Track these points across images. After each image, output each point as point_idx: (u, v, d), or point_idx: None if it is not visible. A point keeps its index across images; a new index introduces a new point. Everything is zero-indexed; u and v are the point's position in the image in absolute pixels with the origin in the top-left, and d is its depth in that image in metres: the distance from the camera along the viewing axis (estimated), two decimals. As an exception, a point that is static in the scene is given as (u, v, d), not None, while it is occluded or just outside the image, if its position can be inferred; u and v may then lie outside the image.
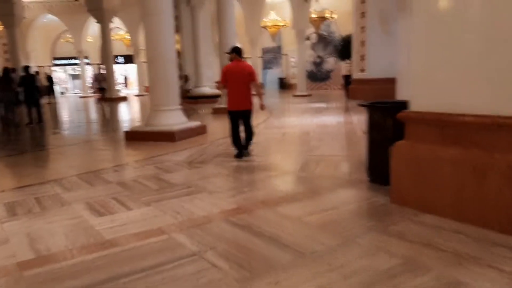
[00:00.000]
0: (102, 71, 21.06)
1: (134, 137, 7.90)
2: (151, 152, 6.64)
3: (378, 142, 4.23)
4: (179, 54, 17.14)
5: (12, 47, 21.71)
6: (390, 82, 13.89)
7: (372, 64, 15.60)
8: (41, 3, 26.70)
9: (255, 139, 6.61)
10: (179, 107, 8.29)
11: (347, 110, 12.57)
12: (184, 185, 4.52)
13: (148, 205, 3.85)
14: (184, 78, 17.61)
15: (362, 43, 16.15)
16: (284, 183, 4.58)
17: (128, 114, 15.56)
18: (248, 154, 5.98)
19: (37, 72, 20.51)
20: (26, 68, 11.57)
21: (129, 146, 7.55)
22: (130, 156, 6.90)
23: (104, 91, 20.86)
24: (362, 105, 4.38)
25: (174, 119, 7.97)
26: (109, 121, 13.29)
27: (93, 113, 16.76)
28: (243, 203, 3.81)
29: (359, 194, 4.02)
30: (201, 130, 8.40)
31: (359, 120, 9.71)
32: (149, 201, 3.97)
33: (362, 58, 16.29)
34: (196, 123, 8.58)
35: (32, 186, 4.71)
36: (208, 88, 17.57)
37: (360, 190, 4.12)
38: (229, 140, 6.98)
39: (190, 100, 16.82)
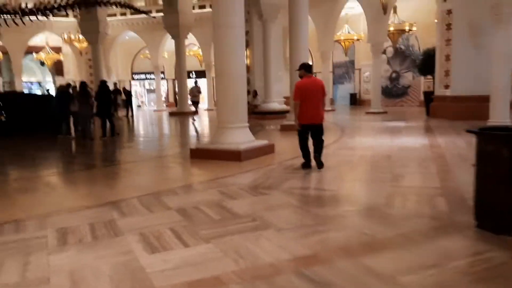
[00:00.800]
0: (197, 85, 20.65)
1: (200, 155, 7.56)
2: (215, 172, 6.21)
3: (491, 178, 3.35)
4: (248, 68, 16.95)
5: (95, 63, 23.11)
6: (479, 100, 12.43)
7: (457, 80, 14.14)
8: (124, 21, 28.30)
9: (326, 162, 6.25)
10: (247, 124, 7.84)
11: (429, 130, 11.35)
12: (249, 217, 3.96)
13: (208, 242, 3.32)
14: (253, 93, 17.34)
15: (447, 57, 14.75)
16: (367, 223, 3.82)
17: (198, 129, 15.57)
18: (322, 165, 6.08)
19: (115, 86, 21.61)
20: (103, 82, 11.94)
21: (195, 164, 7.22)
22: (194, 176, 6.53)
23: (197, 105, 20.59)
24: (470, 131, 3.53)
25: (241, 137, 7.52)
26: (181, 135, 13.33)
27: (166, 127, 17.05)
28: (318, 248, 3.14)
29: (467, 245, 3.16)
30: (268, 150, 7.87)
31: (447, 143, 8.58)
32: (209, 236, 3.45)
33: (447, 73, 14.87)
34: (264, 142, 8.06)
35: (89, 209, 4.44)
36: (276, 103, 17.11)
37: (467, 239, 3.26)
38: (298, 162, 6.49)
39: (258, 115, 16.49)
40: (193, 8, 23.77)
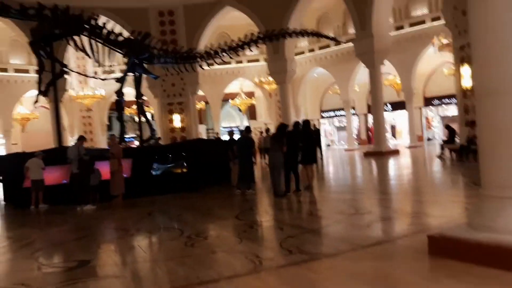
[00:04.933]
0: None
1: (449, 250, 4.03)
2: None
3: None
4: None
5: (284, 103, 22.00)
6: None
7: None
8: (312, 57, 26.98)
9: None
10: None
11: None
12: None
13: None
14: None
15: None
16: None
17: (408, 178, 11.80)
18: None
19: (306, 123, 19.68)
20: (306, 122, 9.66)
21: (447, 275, 3.73)
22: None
23: None
24: None
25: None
26: (392, 192, 9.83)
27: (365, 175, 13.84)
28: None
29: None
30: None
31: None
32: None
33: None
34: None
35: None
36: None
37: None
38: None
39: None
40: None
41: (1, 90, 24.05)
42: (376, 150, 18.59)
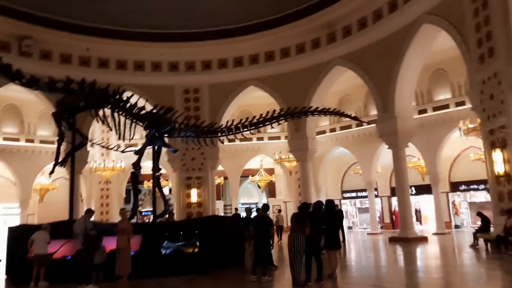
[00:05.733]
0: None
1: None
2: None
3: None
4: None
5: (304, 181, 21.44)
6: None
7: None
8: (334, 137, 26.87)
9: None
10: None
11: None
12: None
13: None
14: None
15: None
16: None
17: (440, 271, 10.68)
18: None
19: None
20: (329, 202, 9.01)
21: None
22: None
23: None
24: None
25: None
26: None
27: (397, 266, 12.71)
28: None
29: None
30: None
31: None
32: None
33: None
34: None
35: None
36: None
37: None
38: None
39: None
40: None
41: (24, 160, 24.47)
42: (402, 236, 17.42)
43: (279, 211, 27.85)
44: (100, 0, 20.22)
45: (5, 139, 24.34)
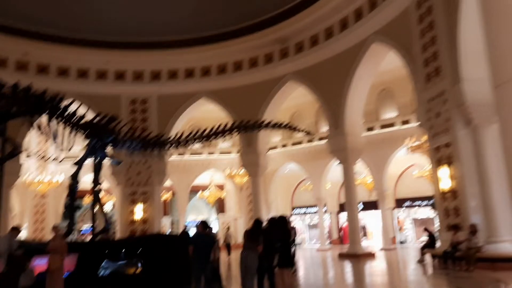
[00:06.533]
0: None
1: None
2: None
3: None
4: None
5: (255, 197, 21.04)
6: None
7: None
8: (285, 152, 26.82)
9: None
10: None
11: None
12: None
13: None
14: (470, 228, 11.86)
15: None
16: None
17: None
18: None
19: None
20: (273, 221, 8.46)
21: None
22: None
23: None
24: None
25: None
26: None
27: (340, 280, 12.52)
28: None
29: None
30: None
31: None
32: None
33: None
34: None
35: None
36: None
37: None
38: None
39: (482, 263, 10.85)
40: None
41: None
42: (351, 252, 17.42)
43: (228, 228, 27.19)
44: (45, 4, 18.94)
45: None
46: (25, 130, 16.79)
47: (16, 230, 8.53)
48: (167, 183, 24.70)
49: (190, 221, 30.54)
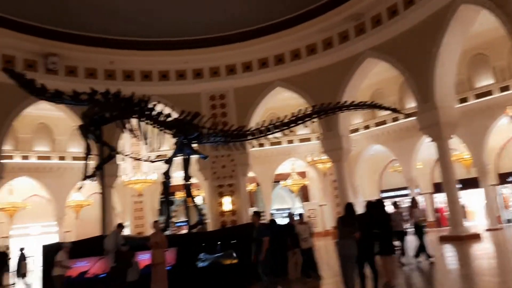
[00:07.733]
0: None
1: None
2: None
3: None
4: None
5: (340, 182, 20.43)
6: None
7: None
8: (368, 134, 25.69)
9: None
10: None
11: None
12: None
13: None
14: None
15: None
16: None
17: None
18: None
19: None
20: (372, 204, 7.99)
21: None
22: None
23: None
24: None
25: None
26: None
27: (448, 265, 11.55)
28: None
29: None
30: None
31: None
32: None
33: None
34: None
35: None
36: None
37: None
38: None
39: None
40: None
41: (57, 178, 24.60)
42: (454, 234, 16.11)
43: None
44: (120, 13, 20.06)
45: (38, 158, 24.56)
46: (119, 133, 17.95)
47: (121, 226, 9.06)
48: (251, 174, 24.99)
49: (276, 210, 30.78)
